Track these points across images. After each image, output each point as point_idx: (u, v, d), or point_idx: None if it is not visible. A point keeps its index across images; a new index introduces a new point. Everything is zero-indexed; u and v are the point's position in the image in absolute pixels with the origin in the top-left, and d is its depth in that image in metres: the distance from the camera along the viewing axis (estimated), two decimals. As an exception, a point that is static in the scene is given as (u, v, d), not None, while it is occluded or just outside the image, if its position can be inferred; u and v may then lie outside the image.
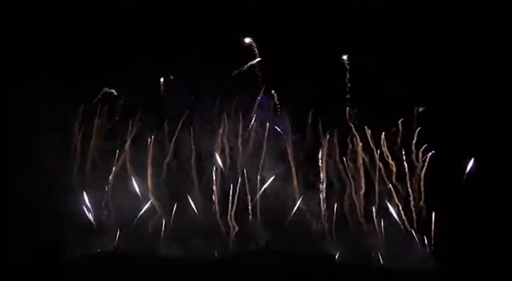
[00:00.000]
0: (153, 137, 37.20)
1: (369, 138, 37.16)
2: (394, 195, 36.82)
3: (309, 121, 37.46)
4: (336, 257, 36.00)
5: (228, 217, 36.90)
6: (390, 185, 36.95)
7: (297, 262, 34.09)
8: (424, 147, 36.85)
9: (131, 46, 34.93)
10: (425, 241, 35.95)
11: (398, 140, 37.05)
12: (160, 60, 35.77)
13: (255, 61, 36.42)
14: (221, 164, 37.30)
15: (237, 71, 36.19)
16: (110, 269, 32.54)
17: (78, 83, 34.57)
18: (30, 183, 32.97)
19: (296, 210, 37.00)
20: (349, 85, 36.52)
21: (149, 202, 36.75)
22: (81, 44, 35.05)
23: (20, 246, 31.03)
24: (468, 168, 35.87)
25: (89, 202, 35.93)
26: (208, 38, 35.41)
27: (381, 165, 37.12)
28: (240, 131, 37.55)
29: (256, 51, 36.29)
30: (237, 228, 36.91)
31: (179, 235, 36.30)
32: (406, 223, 36.42)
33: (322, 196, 37.21)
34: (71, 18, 34.65)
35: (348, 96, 36.63)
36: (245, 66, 36.24)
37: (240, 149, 37.64)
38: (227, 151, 37.71)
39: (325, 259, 35.84)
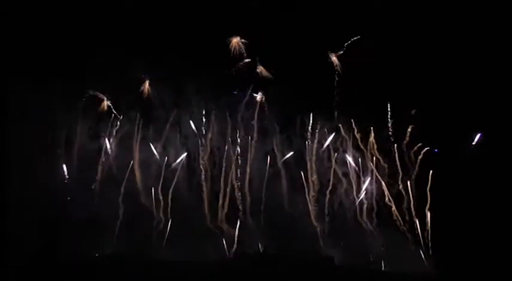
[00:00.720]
0: (139, 137, 37.15)
1: (359, 139, 36.81)
2: (387, 195, 36.48)
3: (298, 122, 37.23)
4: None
5: (219, 219, 36.79)
6: (384, 185, 36.54)
7: (296, 265, 34.22)
8: (417, 146, 36.41)
9: (117, 46, 34.51)
10: (421, 241, 35.63)
11: (391, 140, 36.70)
12: (148, 61, 35.51)
13: (245, 61, 35.97)
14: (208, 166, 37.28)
15: (226, 72, 35.92)
16: (109, 273, 32.91)
17: (64, 84, 34.43)
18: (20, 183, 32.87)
19: (288, 212, 36.75)
20: (337, 89, 36.09)
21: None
22: (67, 45, 34.85)
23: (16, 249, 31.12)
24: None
25: (79, 203, 35.74)
26: (196, 38, 35.02)
27: (372, 166, 36.82)
28: (229, 132, 37.32)
29: (244, 52, 35.86)
30: (228, 230, 36.72)
31: (172, 237, 36.33)
32: (401, 223, 36.07)
33: (311, 197, 36.94)
34: (57, 20, 34.47)
35: (336, 99, 36.19)
36: (235, 68, 35.89)
37: (228, 149, 37.39)
38: (215, 151, 37.57)
39: (323, 262, 35.82)
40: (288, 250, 35.82)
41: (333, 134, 36.90)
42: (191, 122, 37.16)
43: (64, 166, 36.06)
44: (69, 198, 35.85)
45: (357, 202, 36.66)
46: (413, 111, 35.88)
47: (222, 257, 35.99)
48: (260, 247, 36.66)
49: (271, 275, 33.47)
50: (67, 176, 36.04)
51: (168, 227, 36.45)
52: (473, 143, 35.33)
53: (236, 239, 36.45)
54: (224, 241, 36.62)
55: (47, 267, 32.62)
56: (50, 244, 34.08)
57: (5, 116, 31.30)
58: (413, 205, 35.67)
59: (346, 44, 35.22)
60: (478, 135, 35.46)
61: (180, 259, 34.95)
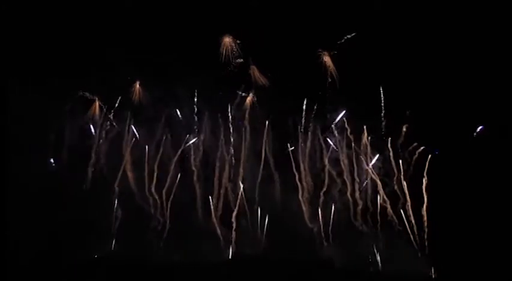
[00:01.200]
0: (129, 137, 37.38)
1: (352, 139, 36.67)
2: (382, 195, 36.21)
3: (290, 122, 37.17)
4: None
5: (213, 220, 36.73)
6: (379, 185, 36.33)
7: (295, 267, 33.95)
8: (413, 146, 36.16)
9: (108, 46, 34.84)
10: (417, 240, 35.34)
11: (385, 139, 36.52)
12: (140, 61, 35.46)
13: (237, 61, 35.71)
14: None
15: (218, 72, 35.60)
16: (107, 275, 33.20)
17: (56, 85, 34.63)
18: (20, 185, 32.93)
19: (283, 213, 36.51)
20: (330, 88, 35.83)
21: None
22: (58, 46, 35.07)
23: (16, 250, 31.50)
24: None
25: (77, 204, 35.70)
26: (188, 38, 34.95)
27: (367, 166, 36.68)
28: (222, 132, 37.32)
29: (236, 51, 35.60)
30: (224, 231, 36.64)
31: (169, 238, 36.48)
32: (397, 223, 35.81)
33: (305, 198, 36.78)
34: (47, 21, 34.59)
35: (329, 98, 36.10)
36: (228, 68, 35.58)
37: (222, 150, 37.45)
38: (208, 152, 37.56)
39: (323, 264, 35.52)
40: (287, 252, 35.56)
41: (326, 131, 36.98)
42: (178, 112, 37.30)
43: (62, 167, 36.48)
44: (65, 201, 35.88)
45: (351, 203, 36.51)
46: (407, 112, 35.82)
47: (222, 259, 35.94)
48: (259, 248, 36.51)
49: (271, 276, 33.23)
50: (65, 177, 36.19)
51: (166, 228, 36.65)
52: (473, 137, 35.11)
53: (232, 240, 36.44)
54: (221, 242, 36.58)
55: (47, 268, 32.90)
56: (49, 245, 34.40)
57: (5, 116, 31.91)
58: (410, 204, 35.38)
59: (339, 42, 34.97)
60: (479, 128, 35.33)
61: (178, 260, 35.14)
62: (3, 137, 31.13)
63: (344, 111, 36.51)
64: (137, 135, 37.39)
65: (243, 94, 36.99)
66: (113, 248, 35.97)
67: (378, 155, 36.45)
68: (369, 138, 36.56)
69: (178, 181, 36.92)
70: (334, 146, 36.92)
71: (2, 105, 30.76)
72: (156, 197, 36.78)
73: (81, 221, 34.94)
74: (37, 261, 33.21)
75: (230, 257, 36.27)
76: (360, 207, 36.35)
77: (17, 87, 33.03)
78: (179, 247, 35.60)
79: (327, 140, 36.99)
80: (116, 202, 36.31)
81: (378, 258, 35.50)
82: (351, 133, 36.45)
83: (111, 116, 37.09)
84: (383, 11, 33.92)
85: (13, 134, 32.06)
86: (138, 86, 36.63)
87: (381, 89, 35.70)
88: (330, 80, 35.38)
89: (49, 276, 32.69)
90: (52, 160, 36.75)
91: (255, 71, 35.93)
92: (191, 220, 36.39)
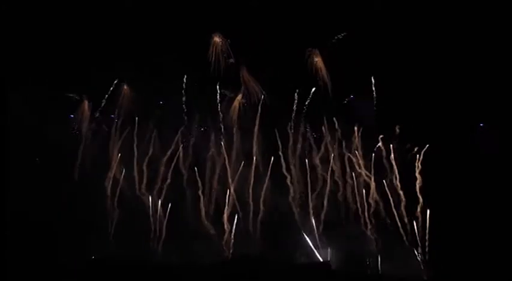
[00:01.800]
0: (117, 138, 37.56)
1: (343, 141, 36.70)
2: (376, 197, 36.08)
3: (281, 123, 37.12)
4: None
5: (204, 222, 36.70)
6: (372, 186, 36.15)
7: (293, 269, 33.81)
8: (407, 146, 35.96)
9: (100, 46, 35.21)
10: (410, 241, 35.10)
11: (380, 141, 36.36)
12: (131, 61, 35.42)
13: (229, 61, 35.78)
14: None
15: (208, 72, 35.65)
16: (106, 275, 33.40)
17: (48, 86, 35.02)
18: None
19: (273, 213, 36.49)
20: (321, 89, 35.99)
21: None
22: (50, 46, 35.46)
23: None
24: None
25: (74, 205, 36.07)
26: (178, 37, 35.07)
27: (359, 169, 36.58)
28: (212, 133, 37.38)
29: (226, 51, 35.69)
30: (217, 233, 36.59)
31: (166, 239, 36.61)
32: (390, 224, 35.59)
33: (296, 201, 36.68)
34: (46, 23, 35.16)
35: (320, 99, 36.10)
36: (218, 69, 35.63)
37: (212, 149, 37.47)
38: (198, 153, 37.48)
39: (321, 266, 35.38)
40: (284, 254, 35.69)
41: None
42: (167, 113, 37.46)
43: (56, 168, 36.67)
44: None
45: (344, 204, 36.37)
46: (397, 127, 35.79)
47: (221, 260, 35.93)
48: (256, 250, 36.28)
49: (269, 277, 33.06)
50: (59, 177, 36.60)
51: (164, 230, 36.71)
52: (468, 137, 35.05)
53: (225, 240, 36.47)
54: (216, 243, 36.62)
55: (46, 269, 33.32)
56: (48, 246, 34.88)
57: (5, 116, 32.72)
58: (404, 205, 35.15)
59: (331, 41, 34.96)
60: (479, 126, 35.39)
61: (175, 261, 35.32)
62: (3, 137, 32.04)
63: (352, 97, 36.40)
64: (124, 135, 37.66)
65: (232, 95, 36.96)
66: (110, 249, 36.09)
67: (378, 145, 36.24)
68: (360, 136, 36.49)
69: (169, 182, 36.93)
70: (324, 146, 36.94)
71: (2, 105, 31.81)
72: (149, 197, 36.82)
73: (77, 222, 35.31)
74: (36, 262, 33.53)
75: (226, 257, 36.28)
76: (353, 208, 36.23)
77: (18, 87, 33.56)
78: (176, 247, 35.76)
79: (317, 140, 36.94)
80: (109, 202, 36.49)
81: (373, 259, 35.33)
82: (341, 136, 36.41)
83: (98, 116, 37.37)
84: (378, 9, 34.26)
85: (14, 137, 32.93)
86: (125, 86, 36.91)
87: (374, 89, 35.68)
88: (320, 81, 35.58)
89: (48, 277, 33.00)
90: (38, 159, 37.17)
91: (244, 72, 36.03)
92: (185, 221, 36.34)
